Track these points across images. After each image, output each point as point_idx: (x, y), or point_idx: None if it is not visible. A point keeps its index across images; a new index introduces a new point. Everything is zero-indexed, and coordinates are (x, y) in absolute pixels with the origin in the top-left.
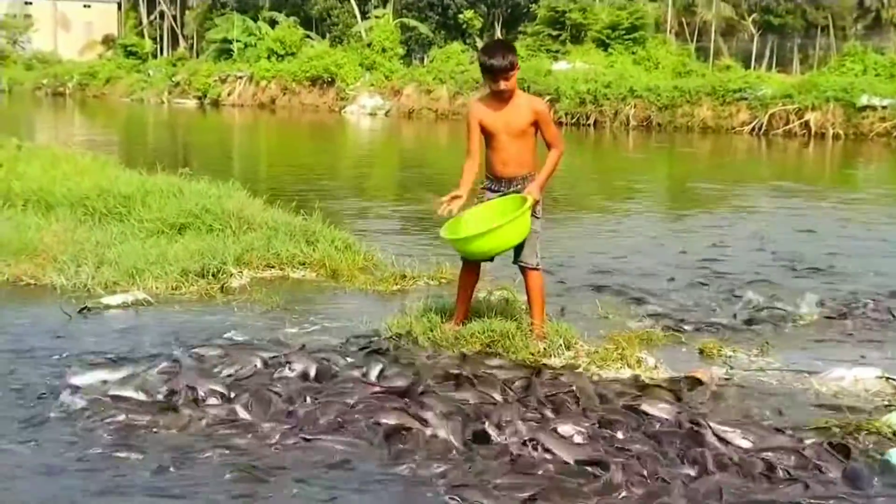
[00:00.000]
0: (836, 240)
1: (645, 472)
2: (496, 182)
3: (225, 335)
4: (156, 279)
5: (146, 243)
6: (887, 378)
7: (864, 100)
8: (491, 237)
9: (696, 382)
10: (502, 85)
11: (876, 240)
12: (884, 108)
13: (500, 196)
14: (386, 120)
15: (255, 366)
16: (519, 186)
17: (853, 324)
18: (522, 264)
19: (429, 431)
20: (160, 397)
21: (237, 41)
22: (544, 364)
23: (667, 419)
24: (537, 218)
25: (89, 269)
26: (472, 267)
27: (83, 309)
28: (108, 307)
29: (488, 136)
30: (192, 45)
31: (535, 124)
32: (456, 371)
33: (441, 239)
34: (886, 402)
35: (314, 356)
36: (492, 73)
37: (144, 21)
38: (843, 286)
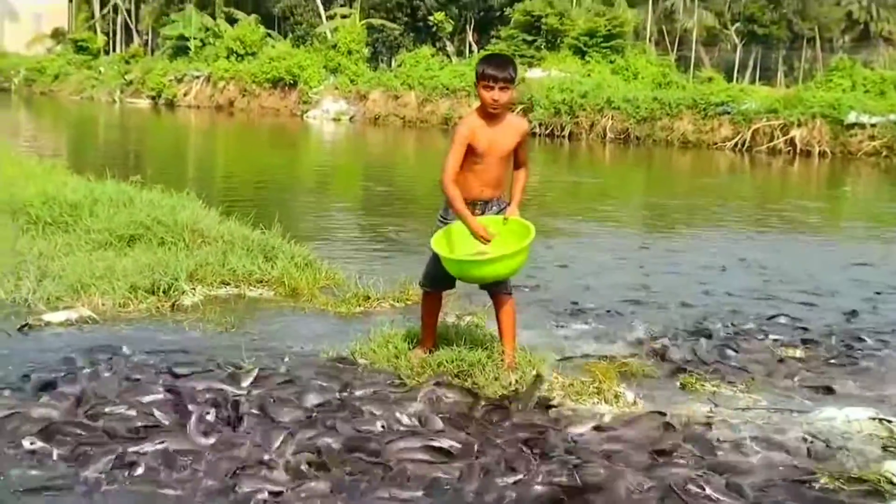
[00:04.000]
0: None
1: None
2: (469, 206)
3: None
4: (102, 295)
5: (93, 256)
6: (881, 419)
7: (852, 117)
8: (503, 263)
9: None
10: (499, 95)
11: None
12: (873, 125)
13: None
14: (350, 126)
15: None
16: (494, 209)
17: (837, 360)
18: (494, 289)
19: None
20: None
21: (194, 39)
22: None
23: None
24: None
25: (30, 283)
26: (436, 294)
27: (23, 326)
28: (49, 324)
29: (473, 156)
30: (147, 41)
31: (517, 145)
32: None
33: (443, 259)
34: (883, 447)
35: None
36: (496, 82)
37: (97, 14)
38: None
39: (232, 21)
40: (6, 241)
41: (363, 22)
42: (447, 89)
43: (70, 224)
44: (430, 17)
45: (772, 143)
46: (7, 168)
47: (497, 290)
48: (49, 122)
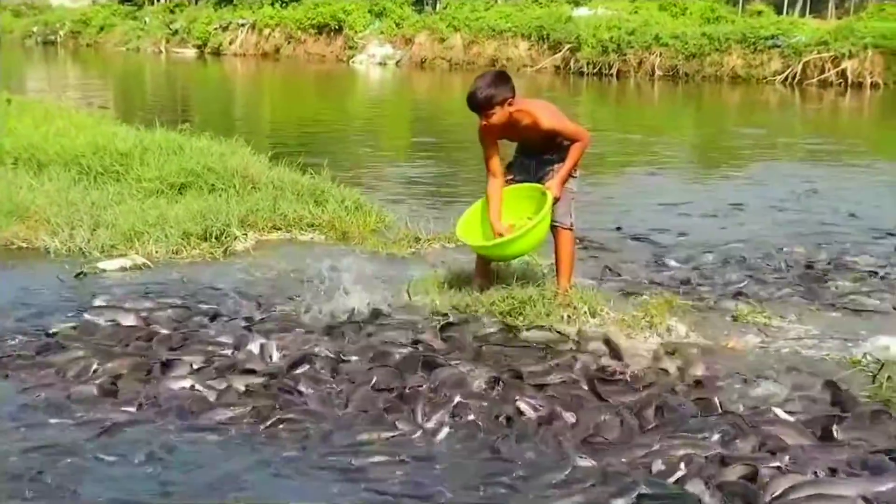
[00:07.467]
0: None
1: None
2: (525, 156)
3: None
4: (155, 242)
5: (145, 204)
6: None
7: None
8: (515, 243)
9: None
10: (483, 121)
11: None
12: None
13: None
14: (397, 70)
15: None
16: (549, 156)
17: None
18: (556, 223)
19: None
20: None
21: None
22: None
23: None
24: (574, 177)
25: (84, 232)
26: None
27: (79, 274)
28: (104, 272)
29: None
30: None
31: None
32: None
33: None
34: None
35: None
36: (470, 107)
37: None
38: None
39: None
40: (60, 191)
41: None
42: (493, 30)
43: (121, 173)
44: None
45: (823, 76)
46: (57, 120)
47: (557, 223)
48: (96, 74)
